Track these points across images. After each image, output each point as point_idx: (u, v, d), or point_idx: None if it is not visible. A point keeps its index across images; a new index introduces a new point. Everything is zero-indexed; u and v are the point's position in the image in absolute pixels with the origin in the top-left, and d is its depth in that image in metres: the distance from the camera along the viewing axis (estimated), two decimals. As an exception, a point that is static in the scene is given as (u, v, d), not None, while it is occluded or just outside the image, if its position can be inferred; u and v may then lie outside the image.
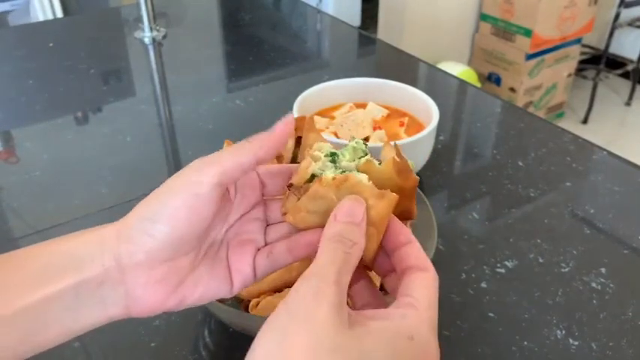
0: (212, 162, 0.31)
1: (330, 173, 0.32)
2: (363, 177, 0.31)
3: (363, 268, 0.34)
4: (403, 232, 0.32)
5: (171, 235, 0.30)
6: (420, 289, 0.31)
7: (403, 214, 0.34)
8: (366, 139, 0.68)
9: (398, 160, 0.32)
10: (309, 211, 0.32)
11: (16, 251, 0.31)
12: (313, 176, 0.32)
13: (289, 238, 0.34)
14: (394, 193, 0.31)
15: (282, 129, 0.32)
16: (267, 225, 0.35)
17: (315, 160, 0.33)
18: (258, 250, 0.34)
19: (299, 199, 0.32)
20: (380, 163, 0.33)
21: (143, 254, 0.30)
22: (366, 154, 0.33)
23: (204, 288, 0.32)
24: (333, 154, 0.33)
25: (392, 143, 0.34)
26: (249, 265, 0.33)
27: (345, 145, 0.34)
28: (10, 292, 0.28)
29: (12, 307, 0.28)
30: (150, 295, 0.31)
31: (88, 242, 0.31)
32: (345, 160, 0.33)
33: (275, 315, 0.26)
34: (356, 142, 0.34)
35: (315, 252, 0.30)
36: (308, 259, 0.46)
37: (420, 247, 0.32)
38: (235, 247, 0.34)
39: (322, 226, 0.31)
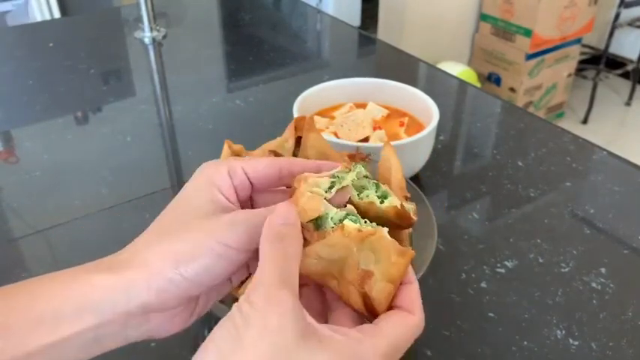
0: (255, 240, 0.30)
1: (337, 213, 0.30)
2: (385, 231, 0.30)
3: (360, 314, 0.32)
4: (408, 271, 0.31)
5: (204, 288, 0.31)
6: (396, 326, 0.30)
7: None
8: (366, 139, 0.68)
9: (400, 209, 0.32)
10: (320, 257, 0.30)
11: (27, 283, 0.29)
12: (318, 218, 0.31)
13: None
14: (412, 250, 0.30)
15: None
16: None
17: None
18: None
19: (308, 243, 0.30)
20: (381, 199, 0.32)
21: (172, 303, 0.30)
22: (367, 176, 0.33)
23: (215, 296, 0.34)
24: (332, 182, 0.32)
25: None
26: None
27: (348, 171, 0.33)
28: (24, 331, 0.27)
29: (25, 348, 0.27)
30: (174, 325, 0.32)
31: (108, 290, 0.29)
32: (344, 182, 0.32)
33: (230, 318, 0.26)
34: (357, 173, 0.33)
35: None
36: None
37: (419, 292, 0.31)
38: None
39: (328, 273, 0.31)
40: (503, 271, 0.59)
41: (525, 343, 0.51)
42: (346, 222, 0.30)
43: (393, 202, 0.32)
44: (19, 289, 0.28)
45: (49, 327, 0.27)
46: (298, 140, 0.52)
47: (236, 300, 0.49)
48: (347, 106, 0.76)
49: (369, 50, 1.24)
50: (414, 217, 0.34)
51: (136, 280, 0.29)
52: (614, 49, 2.63)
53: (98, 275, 0.29)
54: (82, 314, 0.28)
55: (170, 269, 0.29)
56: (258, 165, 0.34)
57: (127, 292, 0.29)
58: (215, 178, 0.33)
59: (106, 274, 0.29)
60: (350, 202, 0.32)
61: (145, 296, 0.29)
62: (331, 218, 0.30)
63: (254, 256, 0.31)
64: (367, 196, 0.32)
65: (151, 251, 0.30)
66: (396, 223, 0.33)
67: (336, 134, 0.69)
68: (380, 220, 0.32)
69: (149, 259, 0.30)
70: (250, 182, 0.34)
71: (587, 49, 2.61)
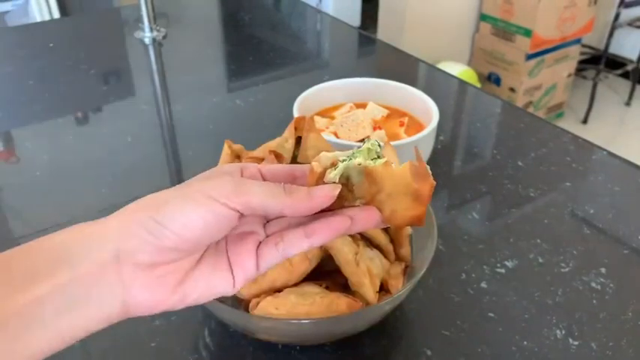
0: (242, 191, 0.30)
1: (352, 157, 0.32)
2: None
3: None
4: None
5: (179, 244, 0.29)
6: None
7: (414, 220, 0.33)
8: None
9: (416, 163, 0.32)
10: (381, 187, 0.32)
11: (7, 251, 0.29)
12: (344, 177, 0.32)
13: (306, 224, 0.32)
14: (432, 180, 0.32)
15: (322, 200, 0.31)
16: (267, 222, 0.34)
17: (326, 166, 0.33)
18: (260, 243, 0.33)
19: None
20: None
21: (146, 255, 0.29)
22: (379, 157, 0.33)
23: (206, 285, 0.31)
24: (349, 158, 0.33)
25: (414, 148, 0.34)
26: (251, 258, 0.32)
27: (359, 147, 0.33)
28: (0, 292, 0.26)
29: (2, 310, 0.26)
30: (149, 294, 0.29)
31: (85, 236, 0.29)
32: (358, 161, 0.32)
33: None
34: (371, 144, 0.33)
35: (332, 237, 0.32)
36: (312, 256, 0.47)
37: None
38: (235, 241, 0.33)
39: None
40: (503, 271, 0.59)
41: (525, 343, 0.51)
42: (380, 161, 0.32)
43: (388, 156, 0.33)
44: (1, 255, 0.28)
45: (24, 284, 0.27)
46: (298, 140, 0.52)
47: (240, 301, 0.49)
48: (347, 106, 0.76)
49: (369, 50, 1.24)
50: (433, 182, 0.33)
51: (110, 225, 0.29)
52: (613, 49, 2.63)
53: (77, 229, 0.29)
54: (55, 267, 0.27)
55: (143, 213, 0.29)
56: (272, 166, 0.35)
57: (99, 240, 0.29)
58: (223, 169, 0.33)
59: (84, 227, 0.30)
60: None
61: (117, 239, 0.29)
62: (356, 162, 0.31)
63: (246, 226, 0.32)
64: (380, 159, 0.33)
65: (132, 204, 0.31)
66: (415, 190, 0.32)
67: (336, 134, 0.69)
68: (398, 191, 0.32)
69: (127, 208, 0.30)
70: (264, 178, 0.34)
71: (587, 49, 2.61)
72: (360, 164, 0.32)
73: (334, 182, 0.32)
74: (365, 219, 0.33)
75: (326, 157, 0.33)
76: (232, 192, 0.30)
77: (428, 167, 0.32)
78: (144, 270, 0.29)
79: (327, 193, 0.31)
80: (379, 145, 0.33)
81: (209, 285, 0.31)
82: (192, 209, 0.29)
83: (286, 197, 0.31)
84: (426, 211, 0.33)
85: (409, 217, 0.33)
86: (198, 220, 0.29)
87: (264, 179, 0.34)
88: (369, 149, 0.33)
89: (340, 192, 0.32)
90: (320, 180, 0.32)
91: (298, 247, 0.32)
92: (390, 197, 0.32)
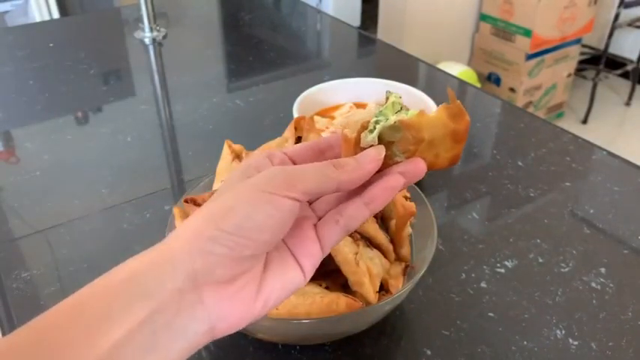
0: (296, 179, 0.29)
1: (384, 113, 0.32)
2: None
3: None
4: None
5: (256, 249, 0.28)
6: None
7: (453, 160, 0.34)
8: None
9: (450, 104, 0.32)
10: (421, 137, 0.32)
11: (74, 295, 0.26)
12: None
13: (362, 195, 0.32)
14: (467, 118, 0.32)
15: (372, 165, 0.31)
16: (311, 203, 0.34)
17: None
18: (315, 225, 0.32)
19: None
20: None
21: (225, 270, 0.27)
22: (403, 108, 0.33)
23: (281, 285, 0.30)
24: (377, 119, 0.32)
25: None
26: (315, 243, 0.31)
27: (384, 105, 0.33)
28: (71, 348, 0.24)
29: None
30: (235, 310, 0.28)
31: (152, 265, 0.27)
32: (394, 118, 0.32)
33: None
34: (395, 97, 0.33)
35: (391, 198, 0.32)
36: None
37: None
38: (292, 230, 0.31)
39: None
40: (503, 271, 0.59)
41: (525, 343, 0.51)
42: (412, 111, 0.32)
43: (440, 106, 0.32)
44: (68, 302, 0.26)
45: (100, 329, 0.24)
46: (298, 140, 0.52)
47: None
48: (347, 106, 0.76)
49: (369, 50, 1.24)
50: (468, 118, 0.34)
51: (175, 247, 0.27)
52: (613, 50, 2.63)
53: (135, 259, 0.27)
54: (131, 305, 0.25)
55: (208, 227, 0.27)
56: (296, 146, 0.34)
57: (170, 262, 0.26)
58: (251, 162, 0.32)
59: (144, 254, 0.27)
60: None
61: (189, 262, 0.26)
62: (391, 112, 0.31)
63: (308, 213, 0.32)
64: (408, 112, 0.32)
65: (187, 221, 0.28)
66: (453, 130, 0.32)
67: (336, 134, 0.69)
68: (436, 134, 0.32)
69: (186, 227, 0.28)
70: (292, 161, 0.33)
71: (586, 50, 2.61)
72: (396, 121, 0.31)
73: (372, 145, 0.32)
74: (413, 171, 0.32)
75: (353, 121, 0.32)
76: (287, 183, 0.29)
77: (461, 105, 0.32)
78: (225, 286, 0.28)
79: (374, 157, 0.31)
80: (400, 97, 0.33)
81: (284, 283, 0.30)
82: (258, 210, 0.28)
83: (339, 172, 0.30)
84: (462, 148, 0.34)
85: (450, 158, 0.34)
86: (268, 220, 0.28)
87: (294, 163, 0.33)
88: (393, 103, 0.33)
89: None
90: (357, 146, 0.32)
91: (360, 218, 0.32)
92: (431, 144, 0.32)
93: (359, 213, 0.32)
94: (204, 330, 0.27)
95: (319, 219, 0.32)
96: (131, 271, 0.26)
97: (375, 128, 0.32)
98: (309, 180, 0.29)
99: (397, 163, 0.33)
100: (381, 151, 0.31)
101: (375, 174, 0.32)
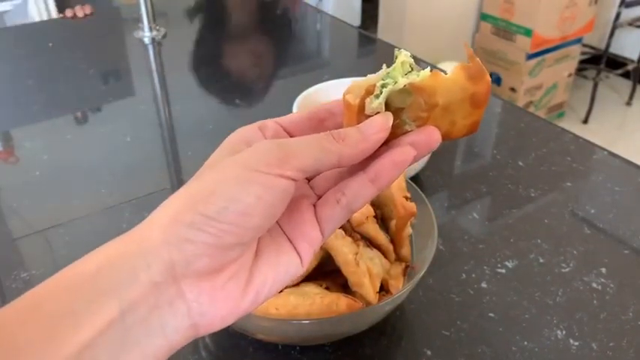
0: (290, 154, 0.25)
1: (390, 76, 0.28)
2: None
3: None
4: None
5: (242, 236, 0.24)
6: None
7: (473, 127, 0.30)
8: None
9: (469, 63, 0.28)
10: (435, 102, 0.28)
11: (29, 293, 0.23)
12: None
13: (366, 170, 0.28)
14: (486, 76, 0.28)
15: (378, 136, 0.27)
16: (309, 180, 0.30)
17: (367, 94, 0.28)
18: (314, 205, 0.28)
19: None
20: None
21: (207, 259, 0.24)
22: (413, 69, 0.28)
23: (274, 275, 0.27)
24: (384, 83, 0.28)
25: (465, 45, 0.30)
26: (314, 226, 0.28)
27: (392, 66, 0.28)
28: (31, 349, 0.21)
29: None
30: (220, 305, 0.25)
31: (125, 256, 0.23)
32: (403, 81, 0.27)
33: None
34: (404, 56, 0.28)
35: (400, 173, 0.28)
36: (313, 255, 0.46)
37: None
38: (287, 214, 0.27)
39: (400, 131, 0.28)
40: (503, 271, 0.59)
41: (525, 343, 0.51)
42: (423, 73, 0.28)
43: (457, 65, 0.28)
44: (27, 297, 0.23)
45: (65, 331, 0.22)
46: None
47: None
48: (347, 106, 0.75)
49: (369, 50, 1.23)
50: (489, 79, 0.29)
51: (150, 236, 0.24)
52: (614, 49, 2.63)
53: (104, 250, 0.24)
54: (100, 301, 0.22)
55: (187, 211, 0.24)
56: (293, 115, 0.30)
57: (144, 253, 0.23)
58: (241, 134, 0.29)
59: (113, 243, 0.24)
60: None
61: (165, 252, 0.23)
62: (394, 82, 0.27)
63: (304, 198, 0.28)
64: (419, 73, 0.28)
65: (164, 205, 0.25)
66: (472, 93, 0.28)
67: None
68: (454, 98, 0.28)
69: (162, 211, 0.25)
70: (288, 133, 0.30)
71: (587, 49, 2.61)
72: (406, 85, 0.27)
73: (378, 112, 0.27)
74: (426, 141, 0.28)
75: (357, 86, 0.28)
76: (280, 159, 0.25)
77: (481, 63, 0.28)
78: (207, 278, 0.24)
79: (381, 127, 0.27)
80: (411, 56, 0.29)
81: (277, 273, 0.27)
82: (245, 191, 0.24)
83: (340, 145, 0.26)
84: (482, 114, 0.30)
85: (469, 125, 0.30)
86: (256, 203, 0.24)
87: (289, 134, 0.30)
88: (403, 63, 0.28)
89: None
90: (361, 114, 0.28)
91: (365, 197, 0.28)
92: (446, 110, 0.28)
93: (364, 191, 0.28)
94: (185, 327, 0.24)
95: (319, 198, 0.29)
96: (99, 264, 0.23)
97: (381, 92, 0.27)
98: (305, 155, 0.25)
99: (407, 132, 0.28)
100: (388, 119, 0.27)
101: (381, 146, 0.28)
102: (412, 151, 0.28)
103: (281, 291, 0.46)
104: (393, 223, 0.51)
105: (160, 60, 1.10)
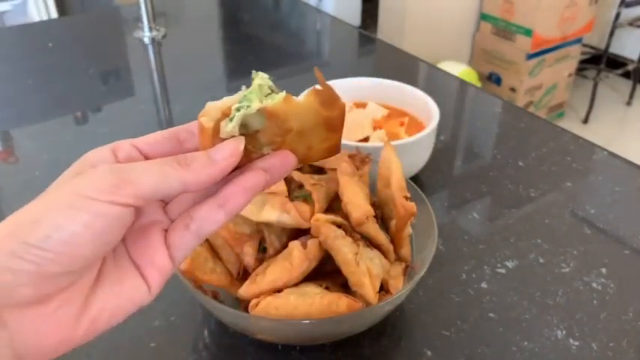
0: (126, 179, 0.24)
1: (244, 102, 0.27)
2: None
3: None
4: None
5: (68, 265, 0.23)
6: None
7: (331, 151, 0.30)
8: (366, 139, 0.68)
9: (320, 88, 0.27)
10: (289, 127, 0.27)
11: None
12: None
13: (216, 195, 0.27)
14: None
15: (227, 161, 0.26)
16: (166, 204, 0.29)
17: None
18: (166, 231, 0.28)
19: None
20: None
21: (28, 289, 0.23)
22: (273, 91, 0.28)
23: (115, 302, 0.26)
24: (239, 106, 0.27)
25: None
26: (161, 252, 0.27)
27: (249, 88, 0.28)
28: None
29: None
30: (47, 335, 0.24)
31: None
32: (256, 106, 0.27)
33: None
34: (261, 78, 0.28)
35: (251, 198, 0.27)
36: (312, 256, 0.46)
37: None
38: (135, 238, 0.27)
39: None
40: (503, 271, 0.59)
41: (526, 343, 0.51)
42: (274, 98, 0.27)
43: (309, 90, 0.28)
44: None
45: None
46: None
47: (240, 301, 0.48)
48: (347, 106, 0.75)
49: (369, 50, 1.23)
50: (343, 103, 0.29)
51: None
52: (614, 49, 2.63)
53: None
54: None
55: (11, 239, 0.23)
56: (151, 136, 0.29)
57: None
58: (92, 155, 0.28)
59: None
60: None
61: None
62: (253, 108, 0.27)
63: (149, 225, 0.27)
64: (276, 96, 0.27)
65: None
66: (325, 118, 0.28)
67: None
68: (307, 122, 0.28)
69: None
70: (145, 155, 0.29)
71: (587, 49, 2.61)
72: (259, 108, 0.27)
73: (233, 136, 0.27)
74: (279, 166, 0.28)
75: (214, 107, 0.27)
76: (115, 184, 0.24)
77: (334, 88, 0.28)
78: (33, 308, 0.23)
79: (231, 152, 0.26)
80: (270, 79, 0.29)
81: (119, 300, 0.26)
82: (71, 219, 0.23)
83: (183, 171, 0.25)
84: (341, 137, 0.29)
85: (326, 149, 0.29)
86: (83, 232, 0.23)
87: (145, 156, 0.29)
88: (260, 86, 0.28)
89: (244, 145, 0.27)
90: (215, 137, 0.27)
91: (214, 222, 0.27)
92: (301, 134, 0.28)
93: (212, 216, 0.27)
94: (8, 357, 0.23)
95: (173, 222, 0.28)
96: None
97: (238, 110, 0.27)
98: (143, 181, 0.24)
99: (263, 155, 0.28)
100: (239, 144, 0.27)
101: (235, 169, 0.27)
102: (263, 175, 0.27)
103: (281, 291, 0.46)
104: (393, 223, 0.51)
105: (160, 60, 1.10)
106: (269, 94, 0.28)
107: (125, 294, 0.26)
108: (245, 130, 0.27)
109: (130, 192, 0.24)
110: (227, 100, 0.28)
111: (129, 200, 0.24)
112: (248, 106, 0.27)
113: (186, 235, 0.27)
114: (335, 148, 0.30)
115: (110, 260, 0.26)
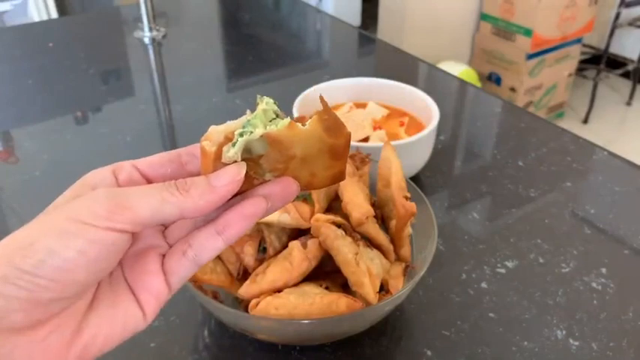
0: (123, 204, 0.24)
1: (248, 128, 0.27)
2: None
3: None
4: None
5: (61, 292, 0.23)
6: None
7: (336, 178, 0.29)
8: (366, 139, 0.68)
9: (325, 116, 0.27)
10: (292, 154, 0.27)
11: None
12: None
13: (214, 221, 0.27)
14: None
15: (227, 188, 0.26)
16: (165, 228, 0.29)
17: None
18: (164, 256, 0.27)
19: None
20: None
21: (21, 315, 0.22)
22: (278, 115, 0.28)
23: (109, 328, 0.25)
24: (242, 131, 0.27)
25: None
26: (158, 278, 0.27)
27: (253, 113, 0.28)
28: None
29: None
30: (38, 359, 0.23)
31: None
32: (259, 131, 0.27)
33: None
34: (266, 103, 0.28)
35: (250, 225, 0.27)
36: (312, 256, 0.46)
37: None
38: (132, 263, 0.27)
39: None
40: (503, 271, 0.59)
41: (526, 343, 0.51)
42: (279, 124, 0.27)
43: (312, 117, 0.27)
44: None
45: None
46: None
47: (240, 301, 0.49)
48: (347, 106, 0.75)
49: (369, 50, 1.23)
50: (348, 132, 0.28)
51: None
52: (614, 49, 2.63)
53: None
54: None
55: (3, 263, 0.22)
56: (153, 157, 0.29)
57: None
58: (93, 176, 0.27)
59: None
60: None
61: None
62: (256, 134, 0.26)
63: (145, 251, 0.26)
64: (280, 121, 0.27)
65: None
66: (330, 145, 0.28)
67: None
68: (312, 149, 0.27)
69: None
70: (146, 177, 0.28)
71: (587, 49, 2.61)
72: (263, 134, 0.26)
73: (235, 161, 0.27)
74: (281, 193, 0.28)
75: (217, 131, 0.27)
76: (110, 210, 0.23)
77: (338, 116, 0.28)
78: (24, 333, 0.23)
79: (231, 178, 0.26)
80: (275, 103, 0.28)
81: (113, 326, 0.25)
82: (65, 245, 0.23)
83: (182, 197, 0.25)
84: (346, 164, 0.29)
85: (331, 177, 0.29)
86: (77, 257, 0.23)
87: (146, 177, 0.28)
88: (264, 110, 0.27)
89: (246, 171, 0.27)
90: (217, 161, 0.27)
91: (212, 249, 0.27)
92: (304, 161, 0.28)
93: (210, 243, 0.26)
94: None
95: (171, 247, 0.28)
96: None
97: (241, 135, 0.27)
98: (141, 206, 0.24)
99: (266, 182, 0.28)
100: (240, 171, 0.26)
101: (237, 194, 0.27)
102: (264, 203, 0.27)
103: (281, 291, 0.46)
104: (393, 223, 0.51)
105: (160, 60, 1.10)
106: (274, 118, 0.27)
107: (119, 320, 0.26)
108: (248, 155, 0.27)
109: (126, 218, 0.24)
110: (230, 125, 0.27)
111: (125, 226, 0.24)
112: (251, 132, 0.27)
113: (183, 261, 0.27)
114: (339, 176, 0.30)
115: (106, 284, 0.26)
